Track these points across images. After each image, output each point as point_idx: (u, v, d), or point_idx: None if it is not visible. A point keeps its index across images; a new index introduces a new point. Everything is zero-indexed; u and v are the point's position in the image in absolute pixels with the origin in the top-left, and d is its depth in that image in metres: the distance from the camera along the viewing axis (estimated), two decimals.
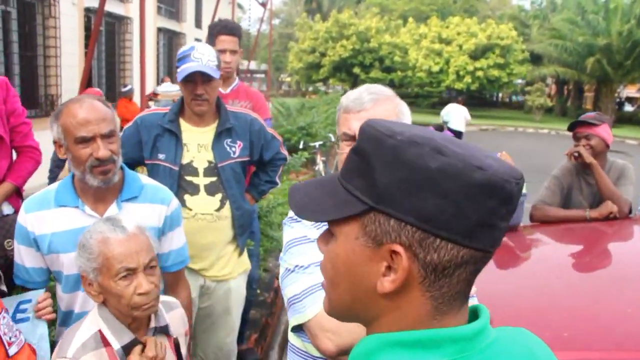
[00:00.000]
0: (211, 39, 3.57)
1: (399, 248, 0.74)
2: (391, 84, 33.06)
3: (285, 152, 3.10)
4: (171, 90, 11.18)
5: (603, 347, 1.88)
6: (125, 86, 11.70)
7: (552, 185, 3.54)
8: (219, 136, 2.77)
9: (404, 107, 1.67)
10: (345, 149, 1.61)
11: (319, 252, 1.56)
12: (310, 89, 44.09)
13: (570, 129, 3.60)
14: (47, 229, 2.03)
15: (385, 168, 0.75)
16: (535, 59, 35.39)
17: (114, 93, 12.21)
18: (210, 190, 2.77)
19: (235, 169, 2.81)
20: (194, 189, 2.76)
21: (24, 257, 2.09)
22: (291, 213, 1.72)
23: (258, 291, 4.87)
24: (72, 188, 2.08)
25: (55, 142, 2.02)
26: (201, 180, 2.76)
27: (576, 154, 3.45)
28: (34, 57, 8.84)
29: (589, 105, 36.42)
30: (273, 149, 2.99)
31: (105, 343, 1.71)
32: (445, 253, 0.74)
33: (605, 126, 3.56)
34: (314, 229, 1.63)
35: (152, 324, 1.80)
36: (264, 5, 21.24)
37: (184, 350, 1.90)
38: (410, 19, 39.66)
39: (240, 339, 3.65)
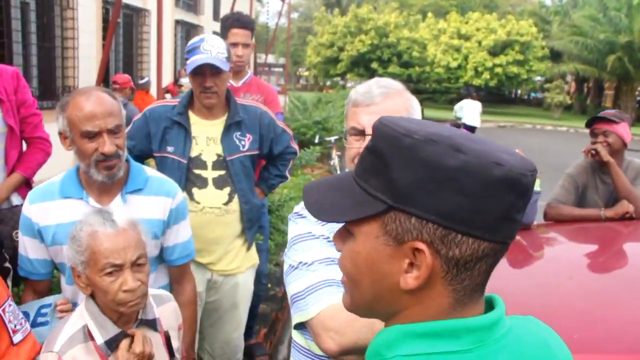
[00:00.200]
0: (224, 32, 3.55)
1: (422, 245, 0.75)
2: (409, 80, 32.97)
3: (295, 146, 3.07)
4: None
5: (615, 350, 1.83)
6: (142, 78, 11.72)
7: (567, 183, 3.47)
8: (228, 129, 2.75)
9: (414, 101, 1.63)
10: (353, 143, 1.58)
11: (323, 248, 1.56)
12: (328, 83, 44.04)
13: (588, 125, 3.53)
14: (51, 220, 2.02)
15: (403, 167, 0.75)
16: (555, 55, 34.99)
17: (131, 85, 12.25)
18: (219, 183, 2.75)
19: (244, 162, 2.79)
20: (202, 183, 2.74)
21: (28, 249, 2.09)
22: (297, 208, 1.70)
23: (269, 285, 4.86)
24: (77, 179, 2.07)
25: (60, 134, 2.01)
26: (210, 174, 2.74)
27: (593, 152, 3.38)
28: (52, 48, 8.88)
29: (609, 104, 35.91)
30: (283, 143, 2.96)
31: (92, 337, 1.70)
32: (467, 248, 0.75)
33: (624, 124, 3.49)
34: (319, 226, 1.60)
35: (140, 317, 1.77)
36: None
37: (176, 344, 1.88)
38: (430, 14, 39.40)
39: (249, 333, 3.64)
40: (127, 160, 2.11)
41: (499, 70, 33.58)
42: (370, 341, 1.36)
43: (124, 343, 1.68)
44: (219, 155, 2.75)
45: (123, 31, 11.91)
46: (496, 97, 41.71)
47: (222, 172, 2.75)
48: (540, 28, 36.07)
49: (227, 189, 2.76)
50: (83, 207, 2.01)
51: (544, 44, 34.63)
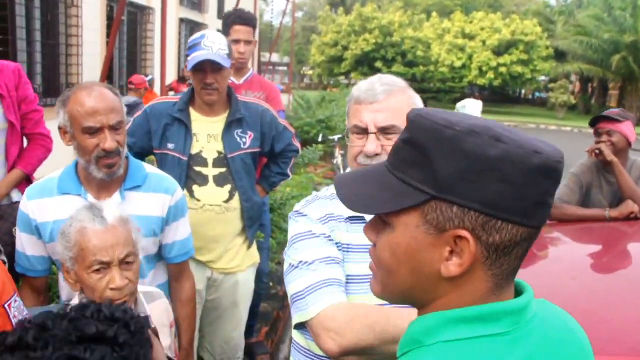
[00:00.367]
0: (226, 29, 3.53)
1: (465, 233, 0.77)
2: (413, 79, 32.93)
3: (297, 144, 3.05)
4: None
5: (619, 353, 1.81)
6: (146, 76, 11.73)
7: (571, 183, 3.44)
8: (229, 126, 2.73)
9: (417, 99, 1.61)
10: (356, 142, 1.56)
11: (324, 247, 1.54)
12: (332, 82, 44.02)
13: (592, 124, 3.50)
14: (49, 217, 2.00)
15: (446, 158, 0.78)
16: (560, 55, 34.90)
17: None
18: (220, 181, 2.73)
19: (245, 160, 2.77)
20: (203, 180, 2.72)
21: (26, 245, 2.07)
22: (297, 207, 1.68)
23: (270, 284, 4.85)
24: (76, 176, 2.05)
25: (60, 129, 1.99)
26: (210, 171, 2.72)
27: (597, 151, 3.35)
28: (56, 45, 8.88)
29: (613, 104, 35.76)
30: (285, 141, 2.94)
31: None
32: (507, 233, 0.78)
33: (628, 123, 3.46)
34: (320, 224, 1.58)
35: None
36: None
37: (167, 342, 1.86)
38: (434, 14, 39.36)
39: (250, 332, 3.63)
40: (126, 157, 2.09)
41: (503, 70, 33.52)
42: (371, 341, 1.36)
43: None
44: (220, 153, 2.73)
45: (127, 29, 11.90)
46: (500, 96, 41.63)
47: (223, 170, 2.74)
48: (544, 28, 35.99)
49: (228, 187, 2.74)
50: (81, 204, 1.99)
51: (549, 44, 34.55)
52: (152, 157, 2.89)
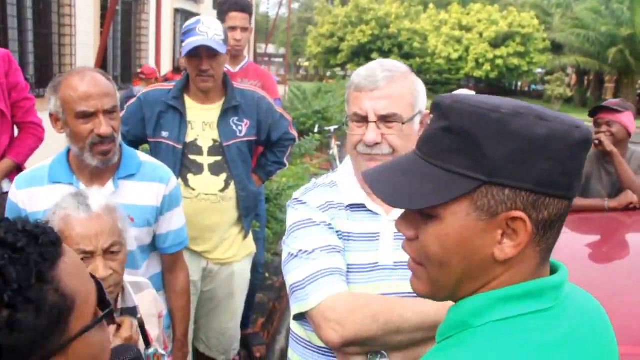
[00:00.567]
0: (221, 16, 3.46)
1: (520, 214, 0.78)
2: None
3: (294, 132, 3.01)
4: None
5: (621, 342, 1.78)
6: (140, 67, 11.64)
7: None
8: (225, 114, 2.68)
9: (419, 84, 1.57)
10: (355, 130, 1.51)
11: (324, 236, 1.50)
12: (328, 74, 43.92)
13: (591, 114, 3.47)
14: (39, 207, 1.95)
15: (494, 142, 0.78)
16: (556, 48, 34.89)
17: (129, 73, 12.15)
18: (215, 170, 2.69)
19: (241, 148, 2.72)
20: (198, 169, 2.67)
21: None
22: (296, 194, 1.65)
23: (266, 275, 4.82)
24: (67, 164, 2.00)
25: (51, 115, 1.94)
26: (205, 160, 2.68)
27: (597, 141, 3.32)
28: (48, 34, 8.77)
29: (609, 96, 35.75)
30: (281, 129, 2.90)
31: None
32: (554, 209, 0.80)
33: (628, 113, 3.43)
34: (319, 212, 1.55)
35: (119, 306, 1.70)
36: None
37: (154, 333, 1.81)
38: (431, 5, 39.25)
39: (246, 323, 3.59)
40: (119, 145, 2.04)
41: (499, 62, 33.51)
42: (374, 332, 1.32)
43: (111, 328, 1.62)
44: (215, 141, 2.68)
45: (121, 19, 11.78)
46: (496, 89, 41.53)
47: (218, 158, 2.69)
48: (541, 20, 35.97)
49: (224, 176, 2.70)
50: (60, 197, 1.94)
51: (545, 36, 34.55)
52: (146, 146, 2.84)
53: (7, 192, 2.68)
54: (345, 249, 1.52)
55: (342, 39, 38.35)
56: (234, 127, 2.71)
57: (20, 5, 8.08)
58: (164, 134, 2.65)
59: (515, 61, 33.56)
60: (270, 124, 2.83)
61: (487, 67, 33.73)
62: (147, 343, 1.67)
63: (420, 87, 1.57)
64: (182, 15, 15.64)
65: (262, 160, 3.04)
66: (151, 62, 11.56)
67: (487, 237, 0.80)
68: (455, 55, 34.34)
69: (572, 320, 0.83)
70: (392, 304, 1.37)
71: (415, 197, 0.82)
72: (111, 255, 1.62)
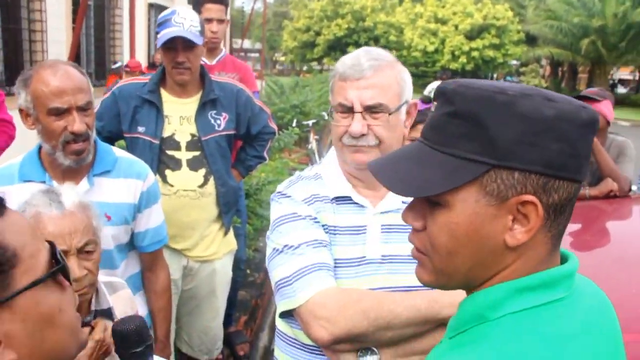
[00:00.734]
0: (196, 8, 3.38)
1: (531, 198, 0.77)
2: None
3: (273, 125, 2.95)
4: None
5: None
6: (114, 63, 11.45)
7: None
8: (202, 108, 2.61)
9: (405, 73, 1.53)
10: (340, 121, 1.46)
11: (310, 230, 1.45)
12: (305, 68, 43.81)
13: None
14: (9, 206, 1.86)
15: (502, 124, 0.76)
16: (531, 40, 35.26)
17: (103, 70, 11.96)
18: (193, 165, 2.62)
19: (220, 142, 2.66)
20: (176, 164, 2.60)
21: None
22: (280, 187, 1.60)
23: (248, 271, 4.76)
24: (39, 161, 1.91)
25: (21, 110, 1.85)
26: (183, 155, 2.61)
27: None
28: (18, 30, 8.58)
29: (583, 87, 36.29)
30: (261, 122, 2.83)
31: None
32: (564, 192, 0.78)
33: (607, 102, 3.45)
34: (304, 205, 1.50)
35: (93, 307, 1.62)
36: None
37: None
38: None
39: (228, 321, 3.53)
40: (94, 141, 1.96)
41: (475, 54, 33.76)
42: (365, 328, 1.29)
43: (85, 330, 1.54)
44: (193, 135, 2.61)
45: (94, 14, 11.58)
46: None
47: (197, 153, 2.62)
48: (515, 12, 36.31)
49: (202, 171, 2.63)
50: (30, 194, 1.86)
51: (520, 28, 34.88)
52: (122, 142, 2.76)
53: None
54: (332, 243, 1.47)
55: (318, 33, 38.30)
56: (212, 121, 2.64)
57: None
58: (140, 129, 2.58)
59: (490, 53, 33.86)
60: (249, 117, 2.77)
61: (463, 59, 33.97)
62: None
63: (407, 77, 1.53)
64: (157, 10, 15.43)
65: (242, 154, 2.97)
66: (125, 59, 11.38)
67: (498, 223, 0.79)
68: (431, 48, 34.51)
69: (584, 309, 0.82)
70: (382, 299, 1.34)
71: (423, 184, 0.80)
72: (85, 254, 1.54)
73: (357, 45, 36.36)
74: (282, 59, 54.54)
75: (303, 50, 40.22)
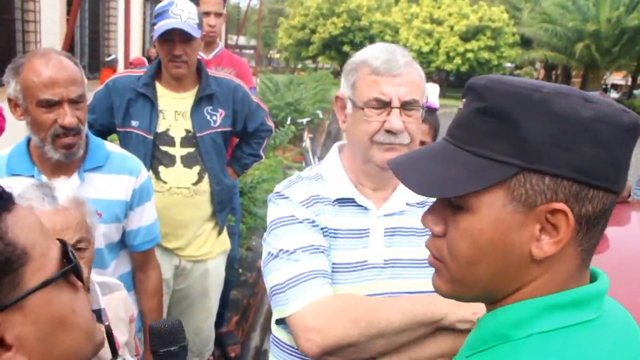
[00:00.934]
0: (194, 1, 3.31)
1: (562, 206, 0.70)
2: None
3: (271, 123, 2.87)
4: None
5: None
6: (109, 56, 11.35)
7: None
8: (198, 103, 2.54)
9: (422, 72, 1.50)
10: (374, 117, 1.38)
11: (307, 234, 1.37)
12: (300, 66, 43.75)
13: None
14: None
15: (535, 124, 0.71)
16: (525, 42, 35.34)
17: (97, 62, 11.86)
18: (188, 162, 2.54)
19: (215, 139, 2.58)
20: (170, 160, 2.52)
21: None
22: (278, 187, 1.53)
23: (240, 271, 4.68)
24: (27, 154, 1.84)
25: (10, 100, 1.77)
26: (178, 151, 2.53)
27: None
28: (11, 20, 8.46)
29: None
30: (258, 120, 2.76)
31: None
32: (598, 202, 0.72)
33: None
34: (303, 208, 1.43)
35: None
36: None
37: (123, 338, 1.66)
38: None
39: (220, 321, 3.46)
40: (85, 135, 1.89)
41: (470, 55, 33.81)
42: (355, 337, 1.23)
43: None
44: (188, 131, 2.54)
45: (89, 6, 11.47)
46: (467, 82, 42.04)
47: (192, 150, 2.54)
48: (511, 15, 36.39)
49: (197, 168, 2.55)
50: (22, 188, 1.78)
51: (515, 31, 34.96)
52: (115, 136, 2.68)
53: None
54: (332, 246, 1.42)
55: (313, 31, 38.24)
56: (208, 117, 2.57)
57: None
58: (134, 123, 2.50)
59: (485, 55, 33.90)
60: (246, 114, 2.69)
61: (458, 60, 33.99)
62: (114, 352, 1.53)
63: (423, 75, 1.49)
64: (152, 3, 15.31)
65: (238, 152, 2.90)
66: (120, 52, 11.27)
67: (524, 232, 0.73)
68: (426, 49, 34.50)
69: (614, 332, 0.76)
70: (377, 305, 1.29)
71: (447, 184, 0.75)
72: (78, 252, 1.47)
73: (353, 44, 36.40)
74: (277, 56, 54.43)
75: (298, 48, 40.14)
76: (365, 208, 1.45)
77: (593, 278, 0.79)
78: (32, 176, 1.80)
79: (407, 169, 0.80)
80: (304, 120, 10.42)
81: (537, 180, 0.71)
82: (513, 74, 39.99)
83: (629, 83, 38.57)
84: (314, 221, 1.42)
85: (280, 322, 1.38)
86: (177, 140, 2.53)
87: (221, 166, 2.67)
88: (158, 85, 2.53)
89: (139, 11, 13.54)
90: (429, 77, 34.60)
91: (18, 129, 1.96)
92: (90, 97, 2.51)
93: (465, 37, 34.14)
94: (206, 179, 2.58)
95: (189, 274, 2.70)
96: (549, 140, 0.70)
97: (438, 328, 1.29)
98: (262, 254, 1.48)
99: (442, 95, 15.38)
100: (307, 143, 9.89)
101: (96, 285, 1.60)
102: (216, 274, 2.78)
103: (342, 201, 1.46)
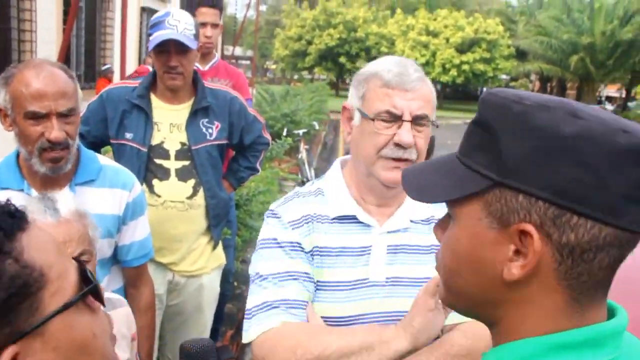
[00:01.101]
0: (190, 12, 3.27)
1: (529, 227, 0.65)
2: None
3: (267, 136, 2.84)
4: None
5: None
6: (104, 65, 11.33)
7: None
8: (194, 115, 2.50)
9: (432, 87, 1.48)
10: (383, 130, 1.35)
11: (283, 260, 1.36)
12: (296, 77, 43.87)
13: None
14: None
15: (513, 137, 0.67)
16: (521, 54, 35.56)
17: (93, 72, 11.84)
18: (182, 175, 2.50)
19: (211, 152, 2.54)
20: (164, 174, 2.48)
21: None
22: (273, 206, 1.50)
23: (235, 284, 4.63)
24: (17, 167, 1.79)
25: None
26: (172, 164, 2.48)
27: None
28: (7, 29, 8.43)
29: None
30: (254, 132, 2.72)
31: None
32: (584, 233, 0.64)
33: None
34: (289, 229, 1.41)
35: None
36: None
37: (124, 356, 1.63)
38: (398, 10, 39.56)
39: (214, 336, 3.41)
40: (77, 148, 1.84)
41: (466, 67, 33.97)
42: None
43: None
44: (183, 144, 2.49)
45: (85, 16, 11.46)
46: (462, 94, 42.18)
47: (187, 163, 2.50)
48: (506, 27, 36.63)
49: (192, 182, 2.51)
50: (24, 200, 1.73)
51: (510, 43, 35.17)
52: (109, 148, 2.63)
53: None
54: (327, 265, 1.39)
55: (309, 42, 38.38)
56: (204, 130, 2.53)
57: None
58: (128, 135, 2.46)
59: (481, 67, 34.07)
60: (242, 127, 2.65)
61: (454, 72, 34.14)
62: None
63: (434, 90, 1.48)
64: (149, 14, 15.32)
65: (234, 165, 2.85)
66: (116, 62, 11.27)
67: (499, 251, 0.68)
68: (422, 60, 34.59)
69: None
70: (319, 331, 1.29)
71: (430, 191, 0.76)
72: None
73: (349, 55, 36.53)
74: (273, 67, 54.57)
75: (294, 59, 40.26)
76: (367, 225, 1.42)
77: (611, 314, 0.72)
78: (22, 190, 1.76)
79: (412, 175, 0.80)
80: (300, 132, 10.41)
81: (511, 196, 0.67)
82: (508, 86, 40.16)
83: (624, 95, 38.77)
84: (297, 244, 1.40)
85: None
86: (172, 153, 2.49)
87: (217, 179, 2.62)
88: (153, 97, 2.49)
89: (135, 21, 13.55)
90: None
91: (9, 141, 1.93)
92: (84, 107, 2.47)
93: (461, 49, 34.31)
94: (201, 193, 2.53)
95: (182, 289, 2.64)
96: (525, 155, 0.66)
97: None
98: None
99: (439, 106, 15.33)
100: (303, 154, 9.86)
101: None
102: (210, 289, 2.73)
103: (343, 219, 1.43)
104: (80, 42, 11.38)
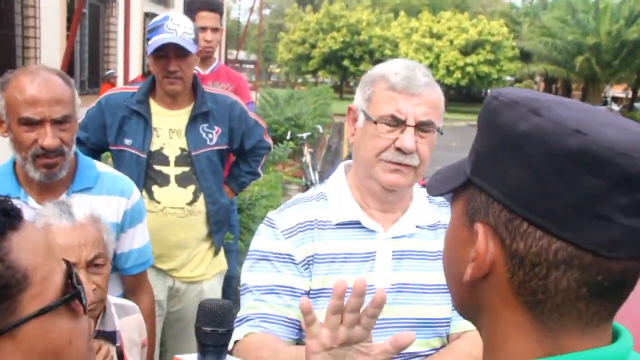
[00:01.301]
0: (190, 16, 3.26)
1: (479, 228, 0.62)
2: None
3: (269, 140, 2.81)
4: None
5: None
6: (107, 70, 11.36)
7: None
8: (194, 121, 2.48)
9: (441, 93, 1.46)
10: (385, 134, 1.34)
11: (267, 274, 1.37)
12: (300, 80, 43.93)
13: None
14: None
15: (482, 133, 0.66)
16: (525, 56, 35.51)
17: (97, 78, 11.88)
18: (182, 181, 2.48)
19: (211, 158, 2.52)
20: (164, 180, 2.46)
21: None
22: (271, 214, 1.50)
23: (238, 289, 4.60)
24: (13, 175, 1.77)
25: None
26: (172, 170, 2.46)
27: None
28: (11, 36, 8.47)
29: None
30: (255, 137, 2.70)
31: None
32: (533, 243, 0.58)
33: None
34: (281, 239, 1.40)
35: (97, 327, 1.53)
36: None
37: None
38: (402, 13, 39.62)
39: None
40: (75, 154, 1.82)
41: (470, 69, 33.95)
42: None
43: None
44: (182, 150, 2.47)
45: (89, 22, 11.51)
46: (467, 96, 42.15)
47: (186, 169, 2.48)
48: (510, 28, 36.63)
49: (192, 188, 2.49)
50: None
51: (514, 44, 35.14)
52: (108, 153, 2.62)
53: None
54: (333, 271, 1.38)
55: (313, 46, 38.43)
56: (204, 135, 2.51)
57: None
58: (127, 141, 2.44)
59: (485, 69, 34.04)
60: (243, 132, 2.63)
61: (458, 74, 34.13)
62: None
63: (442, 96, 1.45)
64: (152, 19, 15.41)
65: (235, 170, 2.83)
66: (119, 67, 11.29)
67: (468, 251, 0.65)
68: (426, 63, 34.55)
69: None
70: (280, 349, 1.29)
71: (432, 184, 0.75)
72: (95, 268, 1.48)
73: (352, 58, 36.55)
74: (277, 70, 54.66)
75: (298, 62, 40.34)
76: (372, 230, 1.40)
77: (615, 337, 0.65)
78: (18, 198, 1.74)
79: (437, 173, 0.78)
80: (304, 135, 10.41)
81: (478, 195, 0.64)
82: (513, 87, 40.16)
83: (630, 96, 38.65)
84: (287, 256, 1.39)
85: None
86: (172, 159, 2.47)
87: (217, 185, 2.60)
88: (152, 103, 2.47)
89: (138, 26, 13.58)
90: None
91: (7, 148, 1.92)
92: (83, 114, 2.46)
93: (465, 51, 34.30)
94: (201, 199, 2.51)
95: (183, 296, 2.62)
96: (486, 152, 0.64)
97: None
98: None
99: None
100: (307, 158, 9.85)
101: (112, 307, 1.60)
102: (212, 295, 2.70)
103: (346, 224, 1.41)
104: (84, 48, 11.42)
